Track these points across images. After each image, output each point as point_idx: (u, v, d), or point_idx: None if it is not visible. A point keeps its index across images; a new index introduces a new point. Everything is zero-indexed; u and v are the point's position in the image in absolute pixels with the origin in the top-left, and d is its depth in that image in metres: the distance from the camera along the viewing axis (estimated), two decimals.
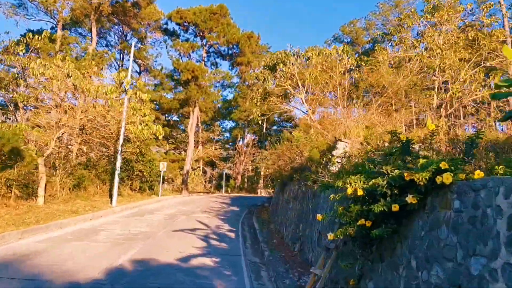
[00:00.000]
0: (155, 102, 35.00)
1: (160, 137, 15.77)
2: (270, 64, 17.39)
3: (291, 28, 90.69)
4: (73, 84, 12.93)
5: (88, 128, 19.95)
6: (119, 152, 17.13)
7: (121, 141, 17.10)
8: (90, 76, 15.91)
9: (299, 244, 8.35)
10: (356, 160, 7.92)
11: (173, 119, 45.25)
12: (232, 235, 11.99)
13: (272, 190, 26.04)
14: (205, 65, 33.61)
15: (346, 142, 8.69)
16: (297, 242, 8.64)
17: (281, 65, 16.88)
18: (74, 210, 14.08)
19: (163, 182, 31.27)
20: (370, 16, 41.85)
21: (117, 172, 17.09)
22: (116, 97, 15.19)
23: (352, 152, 7.98)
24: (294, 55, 16.76)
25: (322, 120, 14.14)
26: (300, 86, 17.13)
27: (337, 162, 8.52)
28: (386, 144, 9.02)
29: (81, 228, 11.36)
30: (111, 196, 17.32)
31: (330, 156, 8.14)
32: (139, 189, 25.69)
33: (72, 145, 20.08)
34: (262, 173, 45.66)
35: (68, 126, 14.30)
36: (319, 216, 4.44)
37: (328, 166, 8.55)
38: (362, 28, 43.59)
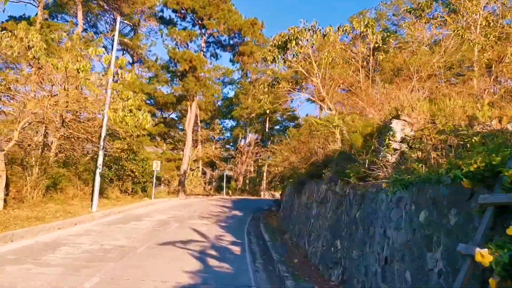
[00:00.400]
0: (150, 96, 32.34)
1: (147, 126, 12.92)
2: (280, 42, 14.60)
3: (292, 25, 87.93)
4: (34, 57, 10.23)
5: (70, 121, 17.27)
6: (101, 146, 14.35)
7: (103, 132, 14.33)
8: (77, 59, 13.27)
9: (340, 270, 5.59)
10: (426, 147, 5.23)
11: (170, 117, 42.53)
12: (237, 249, 9.27)
13: (280, 192, 23.28)
14: (204, 55, 30.82)
15: (405, 121, 5.95)
16: (334, 267, 5.89)
17: (293, 42, 14.14)
18: (40, 217, 11.34)
19: (159, 184, 28.56)
20: (381, 6, 39.36)
21: (98, 170, 14.32)
22: (94, 80, 12.47)
23: (422, 134, 5.27)
24: (309, 30, 13.99)
25: (357, 92, 11.42)
26: (316, 69, 14.40)
27: (394, 150, 5.80)
28: (463, 124, 6.31)
29: (37, 242, 8.62)
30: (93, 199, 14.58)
31: (391, 139, 5.40)
32: (131, 191, 23.02)
33: (51, 141, 17.36)
34: (265, 174, 42.90)
35: (34, 113, 11.54)
36: None
37: (380, 155, 5.83)
38: (372, 18, 41.04)
